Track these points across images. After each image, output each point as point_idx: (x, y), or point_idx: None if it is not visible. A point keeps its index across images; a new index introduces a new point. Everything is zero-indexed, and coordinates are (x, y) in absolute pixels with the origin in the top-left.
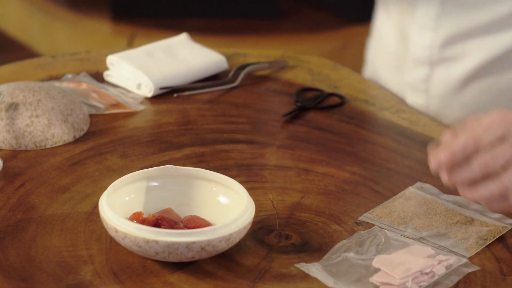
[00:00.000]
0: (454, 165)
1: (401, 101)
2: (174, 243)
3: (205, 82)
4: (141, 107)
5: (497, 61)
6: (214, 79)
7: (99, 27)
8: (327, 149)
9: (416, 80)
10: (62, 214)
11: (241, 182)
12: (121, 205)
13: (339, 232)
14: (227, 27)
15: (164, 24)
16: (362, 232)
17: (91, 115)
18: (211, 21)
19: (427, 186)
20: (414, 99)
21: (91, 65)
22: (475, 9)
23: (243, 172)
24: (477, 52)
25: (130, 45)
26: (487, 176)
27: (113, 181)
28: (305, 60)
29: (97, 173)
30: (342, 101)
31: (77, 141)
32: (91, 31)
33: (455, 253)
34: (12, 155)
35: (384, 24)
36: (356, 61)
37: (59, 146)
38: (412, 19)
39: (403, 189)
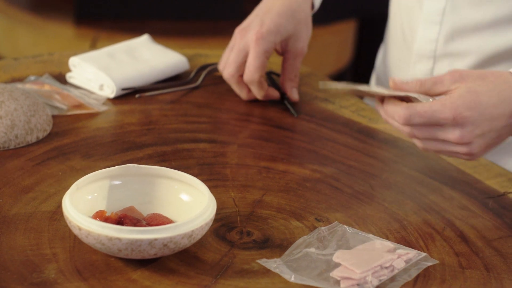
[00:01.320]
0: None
1: (360, 99)
2: (136, 240)
3: (167, 83)
4: (104, 108)
5: (500, 57)
6: (175, 79)
7: (62, 31)
8: (288, 147)
9: (419, 74)
10: (26, 213)
11: (203, 181)
12: (84, 203)
13: (300, 228)
14: (190, 29)
15: (127, 26)
16: (323, 228)
17: (54, 116)
18: (174, 23)
19: None
20: None
21: (54, 67)
22: (482, 5)
23: (205, 171)
24: (481, 47)
25: (93, 47)
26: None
27: (76, 181)
28: None
29: (60, 173)
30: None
31: (40, 141)
32: (54, 35)
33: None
34: None
35: (393, 22)
36: (317, 61)
37: (22, 147)
38: (419, 13)
39: (363, 186)
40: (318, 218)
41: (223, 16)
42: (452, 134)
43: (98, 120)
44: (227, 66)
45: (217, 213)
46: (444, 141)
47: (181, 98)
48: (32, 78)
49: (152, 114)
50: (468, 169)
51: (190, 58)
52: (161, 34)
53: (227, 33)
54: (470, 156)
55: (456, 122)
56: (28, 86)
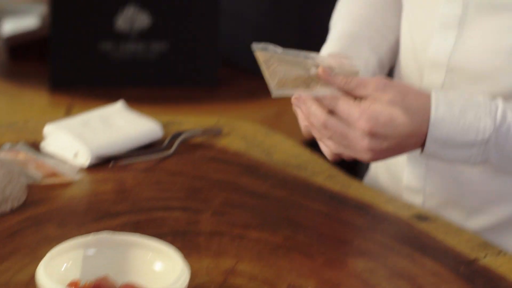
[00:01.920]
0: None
1: (333, 166)
2: None
3: (141, 151)
4: (78, 176)
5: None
6: (149, 147)
7: (37, 98)
8: (261, 215)
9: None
10: None
11: (177, 249)
12: (59, 273)
13: None
14: (164, 96)
15: (101, 93)
16: None
17: (29, 185)
18: (148, 90)
19: None
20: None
21: (29, 135)
22: (478, 82)
23: (179, 239)
24: None
25: (68, 115)
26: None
27: (50, 250)
28: (239, 127)
29: (34, 243)
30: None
31: (14, 211)
32: (30, 102)
33: None
34: None
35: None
36: (290, 128)
37: None
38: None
39: (335, 253)
40: (291, 285)
41: (198, 83)
42: (362, 141)
43: (73, 188)
44: None
45: (190, 282)
46: (349, 139)
47: (155, 166)
48: (7, 146)
49: (126, 182)
50: (439, 235)
51: (164, 125)
52: (135, 101)
53: (202, 100)
54: (368, 159)
55: (368, 134)
56: (3, 154)
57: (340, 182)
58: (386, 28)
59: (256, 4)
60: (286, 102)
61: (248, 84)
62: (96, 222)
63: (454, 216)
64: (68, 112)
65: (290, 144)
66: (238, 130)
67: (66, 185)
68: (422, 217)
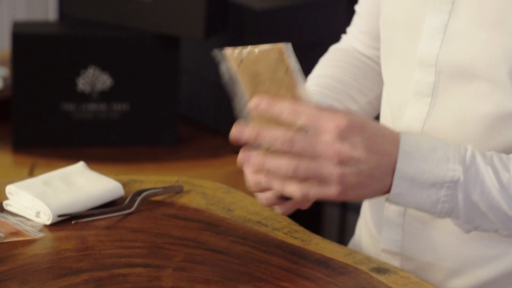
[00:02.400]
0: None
1: (293, 221)
2: None
3: (102, 209)
4: (40, 235)
5: None
6: (111, 205)
7: (0, 158)
8: (222, 270)
9: (394, 215)
10: None
11: None
12: None
13: None
14: (126, 155)
15: (64, 153)
16: None
17: None
18: (111, 149)
19: None
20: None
21: None
22: None
23: None
24: None
25: (31, 174)
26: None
27: None
28: (199, 185)
29: None
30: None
31: None
32: None
33: None
34: None
35: None
36: None
37: None
38: None
39: None
40: None
41: (159, 141)
42: (332, 146)
43: (35, 246)
44: None
45: None
46: (318, 159)
47: (117, 224)
48: None
49: (88, 240)
50: (399, 286)
51: (125, 184)
52: (98, 160)
53: (163, 158)
54: (341, 185)
55: (338, 135)
56: None
57: (301, 237)
58: (363, 87)
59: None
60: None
61: (209, 142)
62: (59, 279)
63: (433, 278)
64: (31, 172)
65: (250, 201)
66: (199, 188)
67: (28, 243)
68: (382, 270)
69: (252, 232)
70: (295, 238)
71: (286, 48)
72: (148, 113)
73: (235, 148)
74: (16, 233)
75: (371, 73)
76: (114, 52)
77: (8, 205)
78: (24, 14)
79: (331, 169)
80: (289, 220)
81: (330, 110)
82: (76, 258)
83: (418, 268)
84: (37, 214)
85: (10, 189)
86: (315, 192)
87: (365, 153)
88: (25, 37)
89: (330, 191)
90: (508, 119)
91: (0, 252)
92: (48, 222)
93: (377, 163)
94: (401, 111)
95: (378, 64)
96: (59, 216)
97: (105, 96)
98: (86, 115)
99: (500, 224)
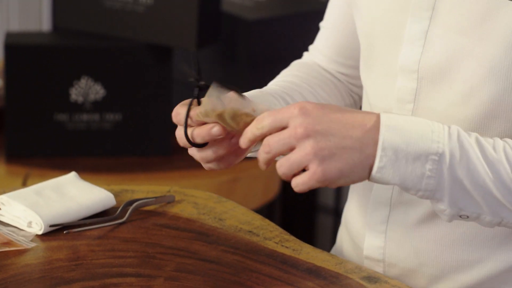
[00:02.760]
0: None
1: (284, 231)
2: None
3: (94, 219)
4: (32, 245)
5: None
6: (103, 215)
7: None
8: (214, 280)
9: (377, 221)
10: None
11: None
12: None
13: None
14: (119, 165)
15: (57, 163)
16: None
17: None
18: (103, 159)
19: None
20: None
21: None
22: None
23: None
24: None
25: (24, 185)
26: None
27: None
28: (190, 195)
29: None
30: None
31: None
32: None
33: None
34: None
35: None
36: (243, 195)
37: None
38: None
39: None
40: None
41: (152, 151)
42: (294, 122)
43: (27, 256)
44: None
45: None
46: (286, 137)
47: (108, 234)
48: None
49: (79, 249)
50: None
51: (116, 194)
52: (91, 170)
53: (156, 168)
54: (316, 159)
55: (299, 111)
56: None
57: (292, 247)
58: (318, 95)
59: (208, 72)
60: (239, 170)
61: None
62: None
63: (416, 283)
64: (25, 182)
65: (242, 211)
66: (190, 198)
67: (20, 253)
68: (372, 278)
69: (243, 241)
70: (286, 247)
71: (212, 93)
72: (141, 123)
73: None
74: (8, 243)
75: (329, 85)
76: (107, 63)
77: (0, 215)
78: (17, 25)
79: (302, 146)
80: (281, 230)
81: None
82: (68, 268)
83: (401, 274)
84: (29, 224)
85: (2, 199)
86: (294, 166)
87: (331, 125)
88: (17, 48)
89: (309, 170)
90: (492, 119)
91: None
92: (40, 232)
93: (347, 133)
94: None
95: (337, 79)
96: (51, 226)
97: (98, 106)
98: (79, 125)
99: (484, 206)
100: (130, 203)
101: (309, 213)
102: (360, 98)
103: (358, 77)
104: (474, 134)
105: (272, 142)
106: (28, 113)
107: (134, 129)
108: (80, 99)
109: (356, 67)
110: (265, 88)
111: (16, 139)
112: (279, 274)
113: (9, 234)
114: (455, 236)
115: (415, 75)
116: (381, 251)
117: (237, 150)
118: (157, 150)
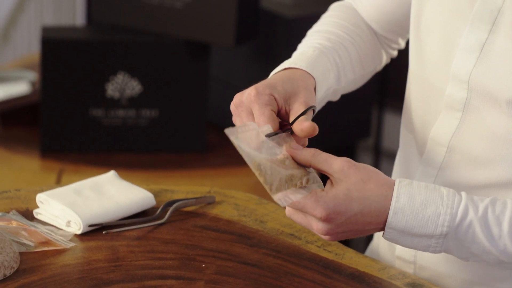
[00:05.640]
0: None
1: None
2: None
3: (133, 219)
4: (71, 244)
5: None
6: (142, 215)
7: (28, 164)
8: (255, 284)
9: None
10: None
11: None
12: None
13: None
14: (154, 162)
15: (92, 159)
16: None
17: (21, 253)
18: (138, 156)
19: None
20: None
21: (21, 203)
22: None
23: None
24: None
25: (59, 180)
26: None
27: None
28: (231, 196)
29: None
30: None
31: (7, 279)
32: (20, 168)
33: None
34: None
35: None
36: None
37: None
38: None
39: None
40: None
41: (187, 148)
42: (316, 225)
43: (66, 256)
44: None
45: None
46: (307, 225)
47: (148, 234)
48: None
49: (119, 250)
50: None
51: (156, 194)
52: (126, 166)
53: (191, 165)
54: (329, 239)
55: (323, 220)
56: None
57: (334, 251)
58: (363, 61)
59: (245, 70)
60: None
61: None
62: None
63: (450, 286)
64: (59, 177)
65: (283, 213)
66: (231, 199)
67: (58, 253)
68: (416, 285)
69: (285, 245)
70: (329, 251)
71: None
72: (176, 119)
73: None
74: (47, 242)
75: (372, 49)
76: (143, 58)
77: (39, 213)
78: (51, 18)
79: (316, 226)
80: None
81: (321, 161)
82: (107, 269)
83: (432, 277)
84: (68, 223)
85: (40, 197)
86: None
87: (350, 226)
88: (54, 42)
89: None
90: None
91: (31, 262)
92: (79, 232)
93: (363, 229)
94: (428, 120)
95: (377, 38)
96: (90, 226)
97: (134, 102)
98: (114, 121)
99: (494, 264)
100: (170, 203)
101: None
102: (391, 56)
103: (393, 41)
104: (483, 206)
105: (295, 219)
106: (63, 108)
107: (170, 125)
108: (116, 94)
109: (394, 32)
110: (317, 44)
111: (51, 134)
112: (322, 279)
113: (48, 233)
114: None
115: (466, 85)
116: (413, 253)
117: None
118: (193, 147)
